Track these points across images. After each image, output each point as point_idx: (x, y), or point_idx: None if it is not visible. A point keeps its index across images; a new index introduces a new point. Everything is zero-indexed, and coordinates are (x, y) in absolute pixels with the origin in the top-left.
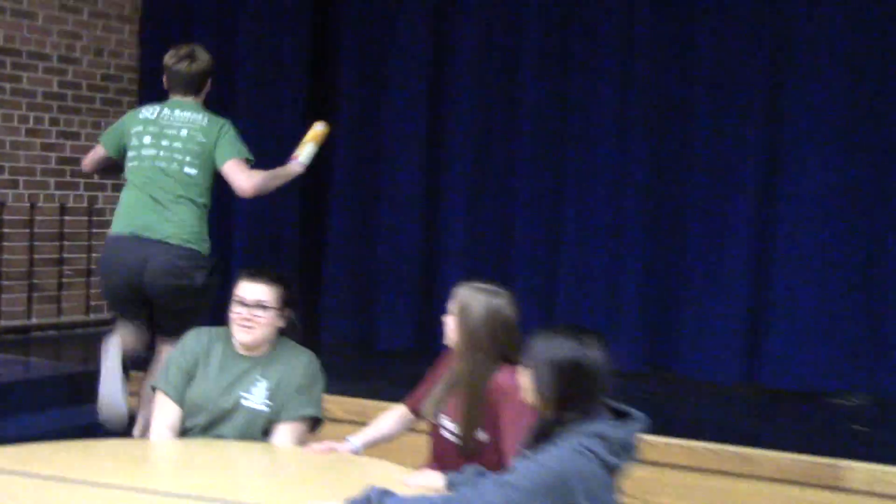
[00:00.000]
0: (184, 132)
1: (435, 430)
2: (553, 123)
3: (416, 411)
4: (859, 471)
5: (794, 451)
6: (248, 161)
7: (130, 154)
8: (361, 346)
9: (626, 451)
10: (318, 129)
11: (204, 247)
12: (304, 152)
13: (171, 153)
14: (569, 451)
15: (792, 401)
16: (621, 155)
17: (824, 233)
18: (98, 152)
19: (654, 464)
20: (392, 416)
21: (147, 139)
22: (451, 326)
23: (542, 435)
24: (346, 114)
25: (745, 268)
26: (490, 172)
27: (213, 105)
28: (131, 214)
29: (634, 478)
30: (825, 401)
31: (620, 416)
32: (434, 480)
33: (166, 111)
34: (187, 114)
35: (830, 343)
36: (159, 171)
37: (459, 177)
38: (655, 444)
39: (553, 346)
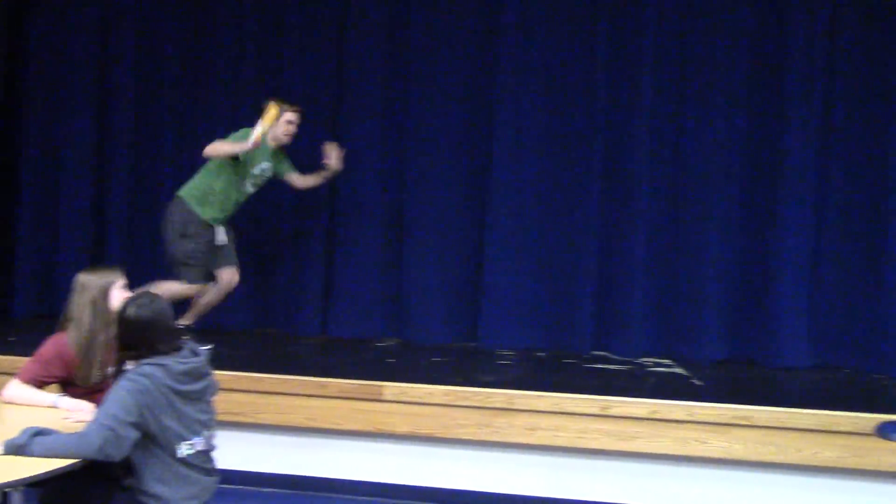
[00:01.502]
0: None
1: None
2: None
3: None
4: (391, 387)
5: (351, 377)
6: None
7: None
8: None
9: (192, 376)
10: (271, 109)
11: None
12: (255, 130)
13: None
14: (130, 378)
15: (351, 344)
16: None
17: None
18: None
19: (253, 391)
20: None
21: None
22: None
23: (119, 372)
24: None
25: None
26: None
27: None
28: None
29: (240, 401)
30: (371, 344)
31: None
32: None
33: None
34: None
35: (363, 300)
36: None
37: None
38: (251, 377)
39: (123, 307)
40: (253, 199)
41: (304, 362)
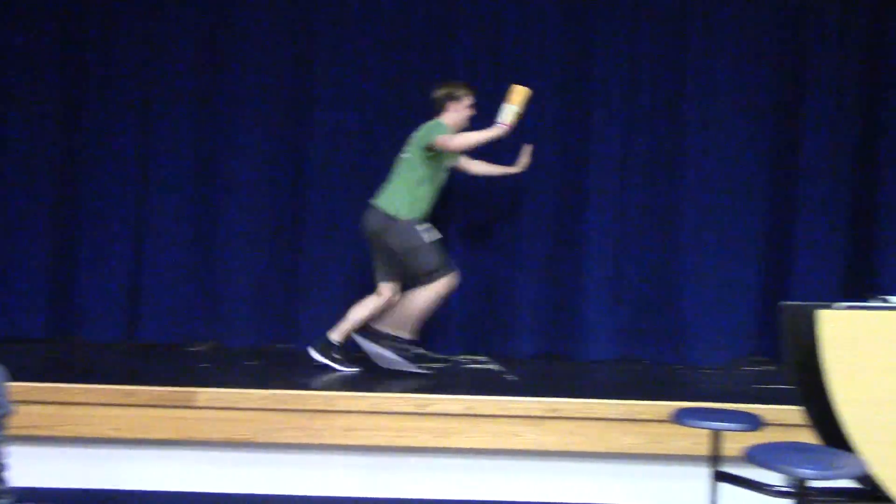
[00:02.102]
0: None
1: None
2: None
3: None
4: (204, 393)
5: (161, 384)
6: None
7: None
8: None
9: None
10: (518, 90)
11: None
12: (504, 113)
13: None
14: None
15: (161, 350)
16: None
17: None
18: None
19: (52, 402)
20: None
21: None
22: None
23: None
24: None
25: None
26: None
27: None
28: None
29: (37, 414)
30: (182, 349)
31: None
32: None
33: None
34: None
35: (173, 302)
36: None
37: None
38: (49, 388)
39: None
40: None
41: (109, 370)
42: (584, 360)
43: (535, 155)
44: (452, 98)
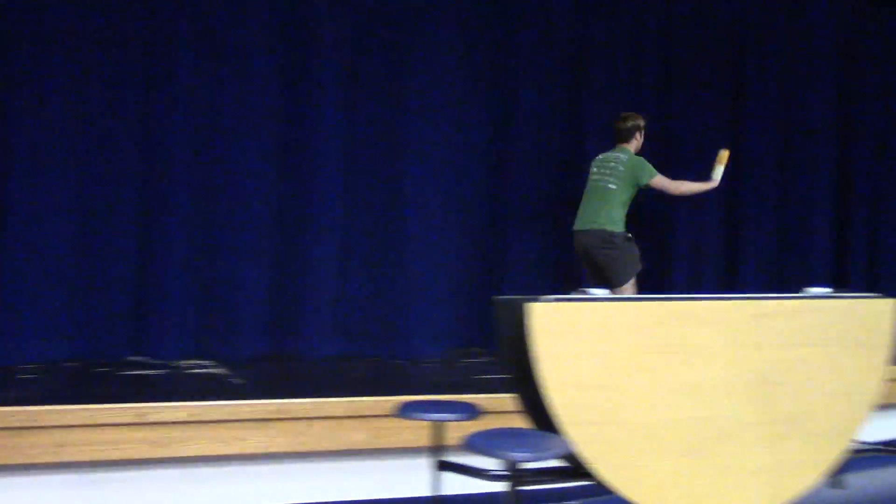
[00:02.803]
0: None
1: None
2: None
3: None
4: None
5: None
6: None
7: None
8: None
9: None
10: (723, 154)
11: None
12: (717, 172)
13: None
14: None
15: None
16: None
17: None
18: None
19: None
20: None
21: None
22: None
23: None
24: None
25: None
26: None
27: None
28: None
29: None
30: None
31: None
32: None
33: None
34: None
35: None
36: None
37: None
38: None
39: None
40: None
41: None
42: (311, 359)
43: (252, 151)
44: (640, 129)
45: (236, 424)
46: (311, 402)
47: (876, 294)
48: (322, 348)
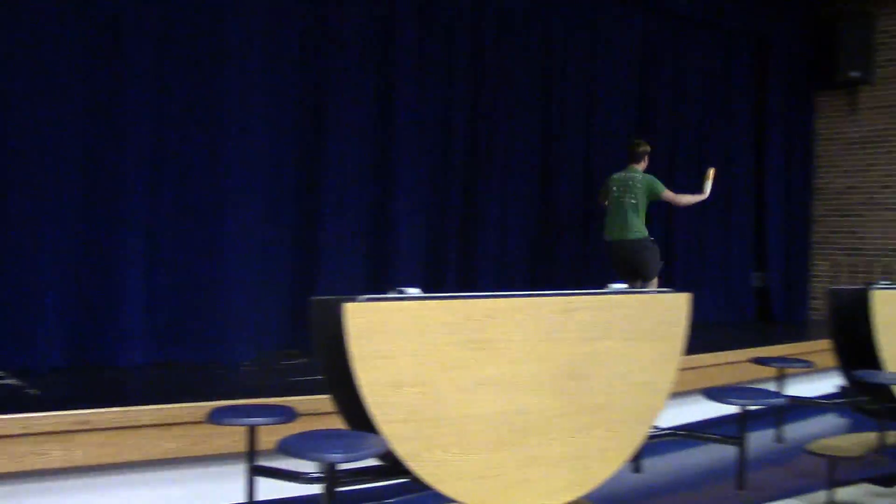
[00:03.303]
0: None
1: None
2: None
3: None
4: None
5: None
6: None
7: None
8: None
9: None
10: (710, 172)
11: None
12: (706, 186)
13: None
14: None
15: None
16: None
17: None
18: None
19: None
20: None
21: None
22: None
23: None
24: None
25: None
26: None
27: None
28: None
29: None
30: None
31: None
32: None
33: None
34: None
35: None
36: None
37: None
38: None
39: None
40: None
41: None
42: (120, 367)
43: (52, 146)
44: (648, 153)
45: (34, 438)
46: (118, 412)
47: (670, 289)
48: (131, 356)
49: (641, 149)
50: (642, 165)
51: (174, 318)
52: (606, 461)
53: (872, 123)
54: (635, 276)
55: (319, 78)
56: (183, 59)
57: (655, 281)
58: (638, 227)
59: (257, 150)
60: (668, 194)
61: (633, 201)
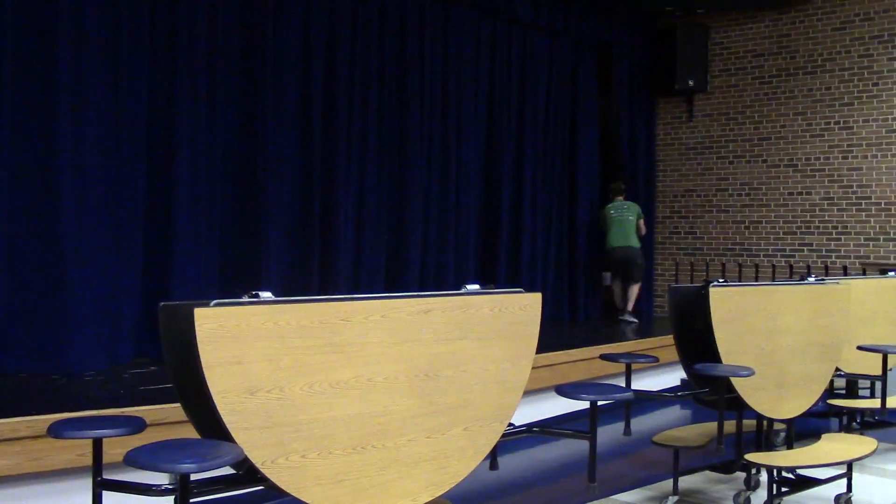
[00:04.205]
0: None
1: None
2: None
3: None
4: None
5: None
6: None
7: None
8: None
9: None
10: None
11: None
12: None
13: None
14: None
15: None
16: None
17: None
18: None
19: None
20: None
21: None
22: None
23: None
24: None
25: None
26: None
27: None
28: None
29: None
30: None
31: None
32: None
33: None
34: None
35: None
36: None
37: None
38: None
39: None
40: None
41: None
42: None
43: None
44: (624, 188)
45: None
46: None
47: (520, 289)
48: None
49: (623, 186)
50: (623, 196)
51: (12, 327)
52: (464, 460)
53: (707, 130)
54: (627, 278)
55: (166, 77)
56: (14, 53)
57: (640, 284)
58: (635, 240)
59: (99, 151)
60: (642, 222)
61: (630, 219)
